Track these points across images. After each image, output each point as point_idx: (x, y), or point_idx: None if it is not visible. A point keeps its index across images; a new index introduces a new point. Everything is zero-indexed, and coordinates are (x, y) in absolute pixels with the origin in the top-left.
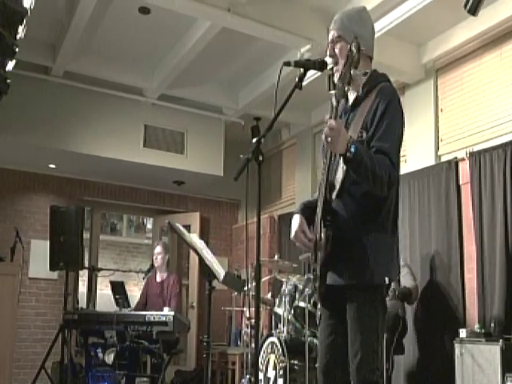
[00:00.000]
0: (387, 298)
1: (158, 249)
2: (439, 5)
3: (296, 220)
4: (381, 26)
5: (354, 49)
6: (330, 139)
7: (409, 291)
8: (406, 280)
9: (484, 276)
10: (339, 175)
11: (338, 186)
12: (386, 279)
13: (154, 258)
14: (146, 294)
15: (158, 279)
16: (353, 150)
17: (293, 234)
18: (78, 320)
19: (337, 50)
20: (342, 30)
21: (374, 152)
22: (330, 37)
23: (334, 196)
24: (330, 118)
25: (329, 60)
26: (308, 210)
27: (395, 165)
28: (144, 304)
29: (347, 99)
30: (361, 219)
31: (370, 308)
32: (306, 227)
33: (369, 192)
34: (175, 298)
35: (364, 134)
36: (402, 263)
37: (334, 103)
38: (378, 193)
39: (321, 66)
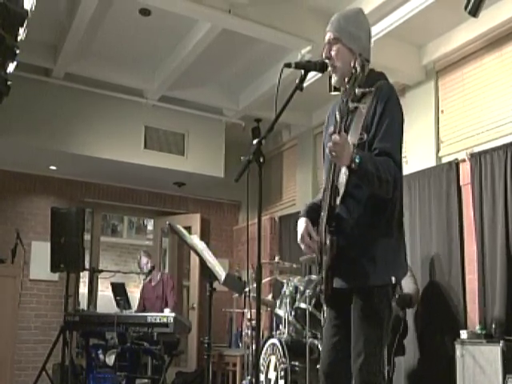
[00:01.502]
0: None
1: (144, 260)
2: (440, 6)
3: (302, 223)
4: (381, 27)
5: (357, 66)
6: (334, 154)
7: (409, 297)
8: (406, 283)
9: (485, 277)
10: (342, 179)
11: (341, 191)
12: (393, 279)
13: (145, 267)
14: (143, 299)
15: (153, 283)
16: (357, 161)
17: (299, 236)
18: (79, 321)
19: (333, 53)
20: (339, 31)
21: (377, 154)
22: (327, 38)
23: (338, 201)
24: (334, 132)
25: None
26: (313, 213)
27: (399, 164)
28: (142, 309)
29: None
30: (365, 222)
31: (375, 308)
32: (311, 229)
33: (373, 194)
34: (171, 293)
35: (364, 136)
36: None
37: (338, 118)
38: (384, 195)
39: (321, 67)
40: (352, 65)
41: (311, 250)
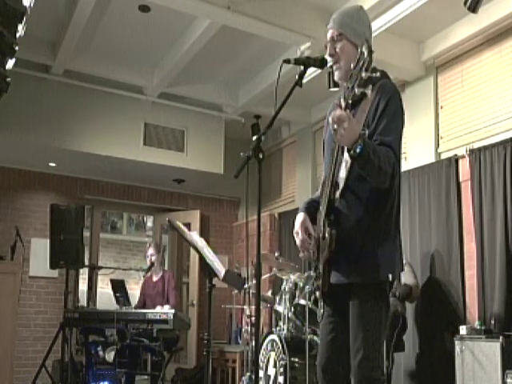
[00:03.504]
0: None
1: (151, 250)
2: (439, 2)
3: (300, 217)
4: (381, 23)
5: (364, 51)
6: (336, 126)
7: (409, 289)
8: (406, 278)
9: (484, 273)
10: (342, 174)
11: (341, 185)
12: (390, 276)
13: (148, 259)
14: (144, 295)
15: (154, 279)
16: (358, 150)
17: (295, 230)
18: (79, 318)
19: (338, 49)
20: (343, 28)
21: (378, 144)
22: (330, 35)
23: (337, 195)
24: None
25: (329, 59)
26: (312, 209)
27: (398, 157)
28: (142, 304)
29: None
30: (364, 217)
31: (372, 305)
32: (309, 224)
33: (372, 189)
34: (173, 292)
35: (366, 132)
36: (403, 261)
37: (343, 104)
38: (381, 185)
39: (321, 63)
40: (359, 50)
41: (306, 246)
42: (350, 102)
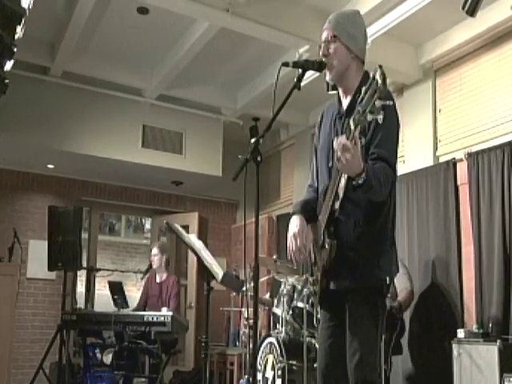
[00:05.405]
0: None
1: (155, 250)
2: (437, 5)
3: (297, 221)
4: (379, 26)
5: (378, 78)
6: (343, 160)
7: (398, 306)
8: (401, 282)
9: (482, 276)
10: (342, 184)
11: (341, 195)
12: (387, 279)
13: (151, 259)
14: (146, 295)
15: (158, 280)
16: (360, 182)
17: (291, 233)
18: (77, 320)
19: (331, 50)
20: (338, 30)
21: (375, 158)
22: (325, 36)
23: (337, 205)
24: (348, 139)
25: (323, 59)
26: (307, 211)
27: (394, 169)
28: (144, 305)
29: (341, 103)
30: (362, 224)
31: (369, 308)
32: (309, 233)
33: (370, 198)
34: (174, 298)
35: (362, 140)
36: (399, 263)
37: (352, 127)
38: (380, 200)
39: (319, 66)
40: (371, 75)
41: (300, 254)
42: (359, 127)
